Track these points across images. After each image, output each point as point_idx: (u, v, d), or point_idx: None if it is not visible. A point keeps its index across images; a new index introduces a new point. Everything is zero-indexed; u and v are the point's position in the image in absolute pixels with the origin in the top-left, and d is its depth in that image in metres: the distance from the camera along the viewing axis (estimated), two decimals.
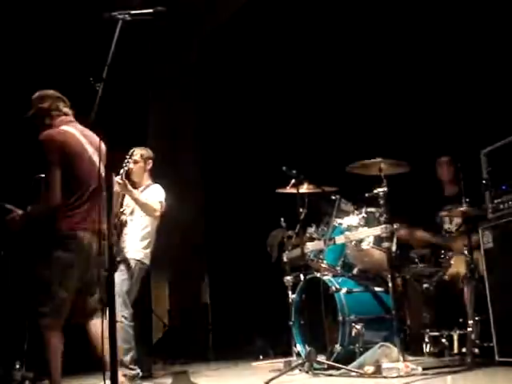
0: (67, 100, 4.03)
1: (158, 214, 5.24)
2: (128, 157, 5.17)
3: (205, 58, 8.94)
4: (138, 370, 4.98)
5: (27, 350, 4.39)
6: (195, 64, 9.34)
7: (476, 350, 4.42)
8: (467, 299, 4.64)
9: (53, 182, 3.71)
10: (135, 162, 5.32)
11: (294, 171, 5.38)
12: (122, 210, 5.25)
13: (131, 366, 4.90)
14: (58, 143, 3.78)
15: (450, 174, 5.69)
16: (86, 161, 3.87)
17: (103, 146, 3.91)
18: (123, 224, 5.27)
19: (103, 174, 3.84)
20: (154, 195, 5.31)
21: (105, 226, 3.82)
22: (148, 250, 5.29)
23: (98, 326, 3.75)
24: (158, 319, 8.45)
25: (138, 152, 5.35)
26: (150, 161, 5.47)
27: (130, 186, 5.09)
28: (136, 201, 5.17)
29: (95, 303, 3.83)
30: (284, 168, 5.34)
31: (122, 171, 5.01)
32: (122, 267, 5.07)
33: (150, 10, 3.07)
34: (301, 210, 5.41)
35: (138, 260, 5.19)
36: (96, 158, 3.86)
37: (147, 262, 5.29)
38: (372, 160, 4.87)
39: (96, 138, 3.93)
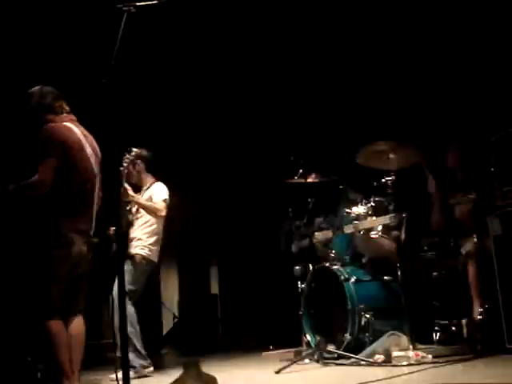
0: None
1: (163, 213, 5.30)
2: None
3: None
4: (149, 361, 5.02)
5: (38, 341, 4.41)
6: None
7: (485, 338, 4.43)
8: (472, 281, 4.65)
9: (47, 169, 3.64)
10: (126, 167, 5.28)
11: (302, 161, 5.38)
12: (128, 208, 5.29)
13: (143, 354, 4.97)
14: (61, 137, 3.75)
15: (458, 161, 5.65)
16: (85, 160, 3.84)
17: (98, 151, 3.95)
18: (130, 223, 5.31)
19: (98, 176, 3.90)
20: (158, 194, 5.36)
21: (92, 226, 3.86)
22: (156, 248, 5.32)
23: (81, 323, 3.78)
24: (168, 311, 8.51)
25: (127, 156, 5.23)
26: (139, 160, 5.43)
27: (130, 192, 5.20)
28: (140, 205, 5.28)
29: (82, 300, 3.84)
30: (292, 158, 5.34)
31: (123, 181, 5.06)
32: (128, 263, 5.08)
33: (155, 1, 3.03)
34: (309, 199, 5.41)
35: (145, 257, 5.23)
36: (93, 160, 3.90)
37: (155, 259, 5.32)
38: (380, 142, 4.84)
39: (93, 141, 3.96)
